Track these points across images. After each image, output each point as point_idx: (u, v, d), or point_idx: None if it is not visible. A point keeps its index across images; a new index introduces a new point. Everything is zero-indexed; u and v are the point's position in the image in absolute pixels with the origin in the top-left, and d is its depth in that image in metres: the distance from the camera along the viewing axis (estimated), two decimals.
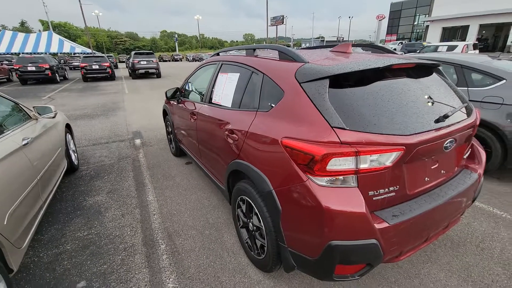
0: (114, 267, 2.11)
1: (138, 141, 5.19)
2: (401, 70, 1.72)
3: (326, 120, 1.38)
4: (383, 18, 35.13)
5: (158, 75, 18.06)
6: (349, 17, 62.15)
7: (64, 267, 2.12)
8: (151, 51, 18.35)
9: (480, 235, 2.38)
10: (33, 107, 3.02)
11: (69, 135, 3.90)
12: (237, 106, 2.16)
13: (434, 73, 1.94)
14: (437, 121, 1.52)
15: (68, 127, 3.91)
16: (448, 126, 1.54)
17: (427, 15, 31.63)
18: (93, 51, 38.85)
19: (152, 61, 17.34)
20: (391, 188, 1.45)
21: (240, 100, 2.13)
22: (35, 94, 11.47)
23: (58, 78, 15.97)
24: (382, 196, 1.44)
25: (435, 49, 14.85)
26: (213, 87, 2.64)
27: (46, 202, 2.52)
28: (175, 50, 73.80)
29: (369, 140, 1.33)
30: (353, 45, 2.15)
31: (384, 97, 1.50)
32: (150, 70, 17.37)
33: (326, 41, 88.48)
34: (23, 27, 71.97)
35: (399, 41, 31.26)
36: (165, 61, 51.47)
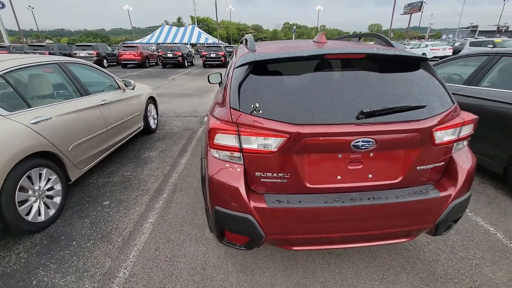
0: (129, 199, 2.90)
1: (206, 118, 6.15)
2: (351, 60, 1.62)
3: (230, 102, 1.55)
4: None
5: None
6: None
7: (105, 190, 3.09)
8: None
9: (480, 279, 1.85)
10: (122, 80, 4.23)
11: (152, 105, 5.15)
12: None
13: (420, 69, 1.67)
14: (350, 117, 1.40)
15: (152, 99, 5.16)
16: (362, 124, 1.39)
17: None
18: (220, 42, 44.91)
19: None
20: (281, 175, 1.48)
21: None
22: (165, 76, 14.77)
23: (186, 63, 19.75)
24: (271, 180, 1.50)
25: None
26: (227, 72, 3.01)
27: (113, 147, 3.61)
28: None
29: (254, 123, 1.43)
30: (340, 38, 2.03)
31: (296, 86, 1.51)
32: None
33: (479, 31, 69.77)
34: (179, 22, 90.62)
35: None
36: None
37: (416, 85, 1.58)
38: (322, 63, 1.61)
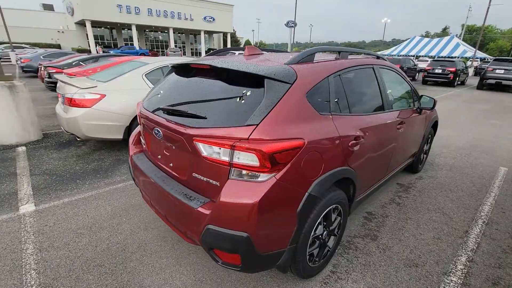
0: None
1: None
2: (205, 70, 1.89)
3: None
4: None
5: None
6: None
7: None
8: None
9: None
10: None
11: None
12: None
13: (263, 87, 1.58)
14: (159, 109, 1.83)
15: None
16: (159, 116, 1.79)
17: None
18: (482, 55, 34.67)
19: None
20: (143, 141, 2.19)
21: None
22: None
23: (456, 82, 15.95)
24: (143, 143, 2.22)
25: None
26: None
27: None
28: None
29: (139, 104, 2.21)
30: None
31: (167, 85, 2.07)
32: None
33: None
34: (443, 32, 78.59)
35: None
36: None
37: (237, 99, 1.56)
38: (193, 70, 1.97)
